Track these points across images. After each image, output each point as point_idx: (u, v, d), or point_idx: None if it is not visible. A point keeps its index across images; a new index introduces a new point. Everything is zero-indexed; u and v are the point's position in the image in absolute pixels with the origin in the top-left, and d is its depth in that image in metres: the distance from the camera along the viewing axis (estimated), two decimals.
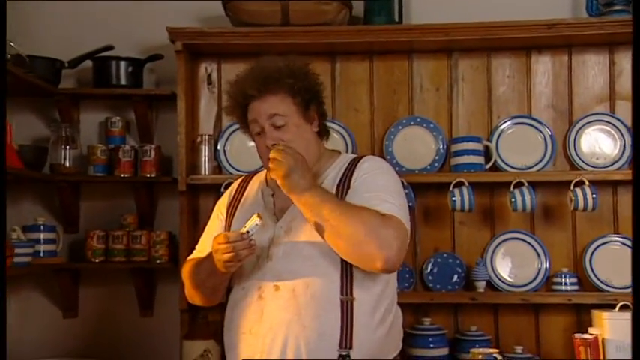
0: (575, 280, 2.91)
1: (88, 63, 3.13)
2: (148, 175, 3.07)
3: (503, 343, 2.92)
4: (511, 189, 2.86)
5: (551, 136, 2.99)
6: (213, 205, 2.27)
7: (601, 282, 2.90)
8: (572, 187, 2.82)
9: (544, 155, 2.98)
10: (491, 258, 2.98)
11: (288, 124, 2.00)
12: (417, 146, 3.01)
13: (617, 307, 2.72)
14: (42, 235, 2.98)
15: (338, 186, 2.00)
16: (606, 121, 2.98)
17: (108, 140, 3.14)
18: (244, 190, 2.18)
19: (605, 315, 2.72)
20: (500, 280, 2.96)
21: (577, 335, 2.75)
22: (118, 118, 3.16)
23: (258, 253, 1.98)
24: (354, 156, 2.14)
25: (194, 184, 2.94)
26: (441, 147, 3.00)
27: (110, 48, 3.08)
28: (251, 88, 2.01)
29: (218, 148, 3.05)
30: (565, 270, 2.93)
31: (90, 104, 3.23)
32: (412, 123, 3.03)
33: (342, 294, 1.92)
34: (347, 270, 1.94)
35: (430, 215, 3.01)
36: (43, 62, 2.98)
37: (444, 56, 3.07)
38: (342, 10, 2.93)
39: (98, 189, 3.21)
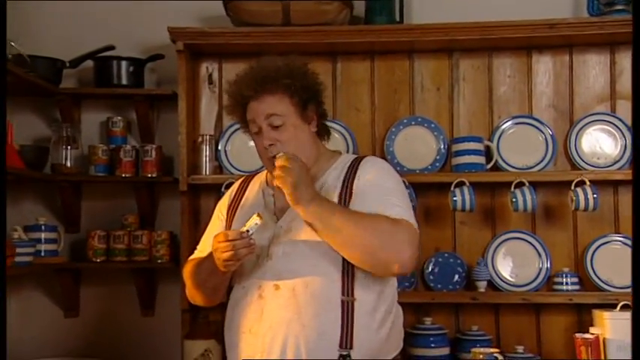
0: (576, 279, 2.91)
1: (89, 63, 3.13)
2: (149, 175, 3.07)
3: (504, 343, 2.92)
4: (512, 189, 2.86)
5: (552, 135, 2.99)
6: (214, 205, 2.27)
7: (602, 282, 2.90)
8: (573, 187, 2.82)
9: (545, 155, 2.98)
10: (492, 258, 2.98)
11: (285, 123, 2.01)
12: (418, 146, 3.01)
13: (618, 307, 2.72)
14: (43, 235, 2.98)
15: (341, 187, 2.00)
16: (607, 121, 2.98)
17: (109, 140, 3.14)
18: (245, 191, 2.18)
19: (607, 315, 2.72)
20: (501, 279, 2.96)
21: (578, 335, 2.74)
22: (119, 117, 3.16)
23: (259, 253, 1.98)
24: (354, 156, 2.14)
25: (195, 183, 2.94)
26: (442, 147, 3.00)
27: (111, 48, 3.08)
28: (249, 88, 2.02)
29: (219, 148, 3.05)
30: (566, 270, 2.93)
31: (91, 104, 3.23)
32: (413, 123, 3.03)
33: (343, 294, 1.92)
34: (348, 270, 1.94)
35: (431, 215, 3.00)
36: (44, 62, 2.99)
37: (445, 56, 3.07)
38: (343, 10, 2.93)
39: (99, 189, 3.21)
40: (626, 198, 2.95)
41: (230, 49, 3.01)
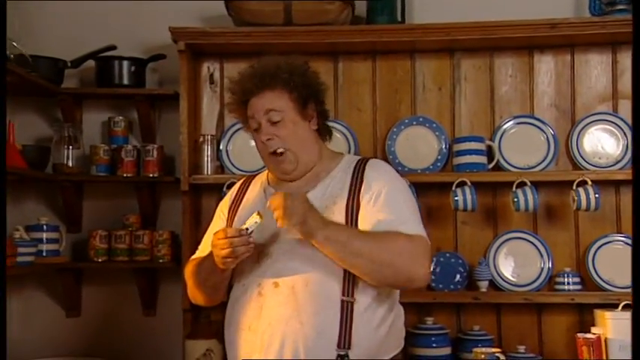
0: (577, 279, 2.91)
1: (91, 63, 3.13)
2: (151, 175, 3.07)
3: (506, 343, 2.92)
4: (514, 189, 2.85)
5: (553, 135, 2.98)
6: (216, 205, 2.28)
7: (604, 282, 2.90)
8: (574, 187, 2.82)
9: (547, 155, 2.97)
10: (494, 258, 2.98)
11: (284, 119, 2.02)
12: (419, 146, 3.01)
13: (619, 307, 2.72)
14: (45, 235, 2.98)
15: (348, 195, 1.99)
16: (609, 121, 2.97)
17: (110, 140, 3.14)
18: (246, 190, 2.18)
19: (608, 315, 2.72)
20: (502, 279, 2.96)
21: (580, 335, 2.74)
22: (120, 117, 3.16)
23: (260, 251, 1.98)
24: (358, 157, 2.14)
25: (196, 183, 2.94)
26: (444, 146, 3.00)
27: (113, 48, 3.08)
28: (250, 85, 2.04)
29: (220, 147, 3.05)
30: (568, 270, 2.92)
31: (92, 104, 3.23)
32: (414, 122, 3.03)
33: (343, 294, 1.92)
34: (348, 270, 1.94)
35: (432, 215, 3.00)
36: (46, 62, 2.99)
37: (446, 56, 3.07)
38: (345, 10, 2.93)
39: (101, 189, 3.21)
40: (627, 198, 2.95)
41: (231, 48, 3.01)
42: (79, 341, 3.14)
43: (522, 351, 2.83)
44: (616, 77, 3.01)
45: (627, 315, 2.64)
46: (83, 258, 3.12)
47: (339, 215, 1.96)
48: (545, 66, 3.05)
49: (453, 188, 2.85)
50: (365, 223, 1.96)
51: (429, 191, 2.99)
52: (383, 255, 1.88)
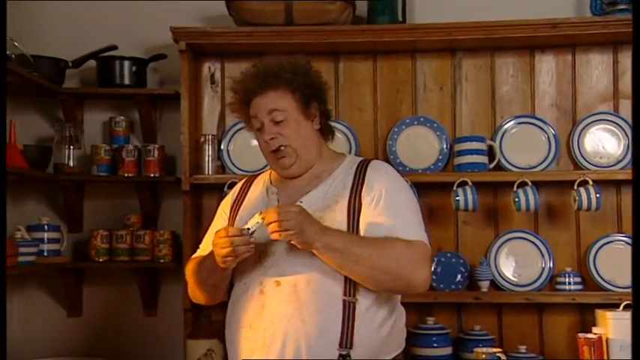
0: (579, 279, 2.91)
1: (92, 63, 3.14)
2: (152, 175, 3.07)
3: (507, 343, 2.92)
4: (515, 188, 2.85)
5: (554, 135, 2.98)
6: (217, 205, 2.28)
7: (605, 281, 2.90)
8: (575, 187, 2.82)
9: (548, 155, 2.97)
10: (495, 258, 2.97)
11: (287, 119, 2.02)
12: (420, 146, 3.01)
13: (621, 307, 2.72)
14: (46, 235, 2.98)
15: (350, 195, 1.99)
16: (610, 121, 2.97)
17: (111, 140, 3.14)
18: (248, 190, 2.18)
19: (609, 315, 2.72)
20: (503, 279, 2.96)
21: (581, 335, 2.74)
22: (121, 117, 3.16)
23: (261, 250, 1.98)
24: (360, 158, 2.14)
25: (197, 183, 2.94)
26: (445, 146, 3.00)
27: (114, 48, 3.08)
28: (252, 84, 2.04)
29: (221, 147, 3.05)
30: (569, 270, 2.92)
31: (94, 104, 3.24)
32: (415, 122, 3.03)
33: (345, 294, 1.92)
34: None
35: (434, 215, 3.00)
36: (47, 62, 2.99)
37: (447, 56, 3.07)
38: (346, 10, 2.93)
39: (102, 188, 3.21)
40: (628, 198, 2.95)
41: (232, 48, 3.01)
42: (80, 341, 3.15)
43: (523, 351, 2.83)
44: (617, 77, 3.01)
45: (628, 315, 2.63)
46: (84, 258, 3.12)
47: (340, 215, 1.97)
48: (547, 66, 3.05)
49: (454, 188, 2.85)
50: (365, 226, 1.96)
51: (430, 191, 2.99)
52: (381, 261, 1.89)
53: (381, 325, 1.97)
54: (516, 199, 2.83)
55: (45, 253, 2.95)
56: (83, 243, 3.15)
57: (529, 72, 3.05)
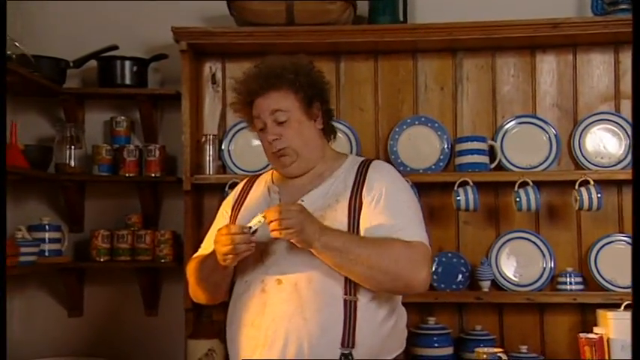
0: (580, 279, 2.91)
1: (93, 63, 3.14)
2: (153, 175, 3.07)
3: (508, 343, 2.92)
4: (516, 188, 2.85)
5: (556, 135, 2.98)
6: (218, 205, 2.28)
7: (606, 281, 2.89)
8: (577, 187, 2.82)
9: (549, 155, 2.97)
10: (496, 257, 2.97)
11: (290, 119, 2.03)
12: (421, 145, 3.01)
13: (622, 307, 2.72)
14: (47, 235, 2.98)
15: (351, 193, 1.99)
16: (611, 121, 2.97)
17: (113, 140, 3.15)
18: (250, 190, 2.19)
19: (610, 315, 2.72)
20: (505, 279, 2.96)
21: (582, 335, 2.74)
22: (122, 117, 3.16)
23: (263, 248, 1.99)
24: (361, 158, 2.14)
25: (198, 183, 2.94)
26: (446, 146, 3.00)
27: (115, 48, 3.08)
28: (255, 85, 2.05)
29: (222, 147, 3.05)
30: (570, 269, 2.92)
31: (95, 104, 3.24)
32: (417, 122, 3.03)
33: (345, 294, 1.92)
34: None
35: (435, 215, 3.00)
36: (48, 62, 2.99)
37: (448, 56, 3.07)
38: (347, 10, 2.93)
39: (103, 188, 3.22)
40: (630, 197, 2.94)
41: (233, 48, 3.01)
42: (81, 341, 3.15)
43: (524, 351, 2.83)
44: (618, 77, 3.01)
45: (629, 315, 2.63)
46: (85, 258, 3.12)
47: (341, 213, 1.97)
48: (548, 66, 3.05)
49: (455, 188, 2.85)
50: (365, 226, 1.96)
51: (431, 191, 2.99)
52: (380, 262, 1.89)
53: (382, 325, 1.97)
54: (517, 199, 2.83)
55: (46, 253, 2.95)
56: (84, 243, 3.15)
57: (530, 72, 3.05)
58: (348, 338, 1.90)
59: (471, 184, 2.83)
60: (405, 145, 3.01)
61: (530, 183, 2.83)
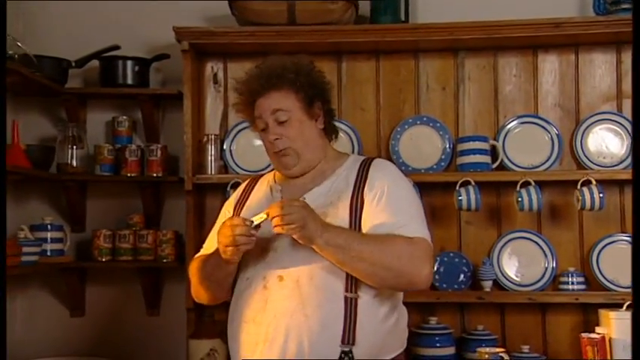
0: (582, 279, 2.90)
1: (95, 62, 3.14)
2: (155, 175, 3.07)
3: (510, 343, 2.92)
4: (518, 188, 2.85)
5: (557, 135, 2.98)
6: (220, 205, 2.29)
7: (608, 281, 2.89)
8: (579, 187, 2.82)
9: (551, 154, 2.97)
10: (498, 257, 2.97)
11: (291, 119, 2.04)
12: (423, 145, 3.01)
13: (624, 307, 2.71)
14: (49, 235, 2.98)
15: (352, 192, 2.00)
16: (613, 120, 2.97)
17: (114, 140, 3.15)
18: (252, 190, 2.19)
19: (613, 314, 2.71)
20: (506, 279, 2.96)
21: (584, 335, 2.74)
22: (124, 117, 3.17)
23: (264, 245, 1.99)
24: (363, 157, 2.15)
25: (200, 183, 2.94)
26: (448, 146, 3.00)
27: (116, 47, 3.08)
28: (256, 85, 2.06)
29: (224, 147, 3.05)
30: (572, 269, 2.92)
31: (96, 104, 3.24)
32: (418, 122, 3.03)
33: (346, 291, 1.92)
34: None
35: (436, 214, 3.00)
36: (50, 62, 2.99)
37: (450, 55, 3.07)
38: (348, 10, 2.93)
39: (105, 188, 3.22)
40: (631, 197, 2.94)
41: (235, 48, 3.01)
42: (83, 341, 3.15)
43: (526, 351, 2.83)
44: (620, 77, 3.01)
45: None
46: (87, 257, 3.12)
47: (343, 212, 1.98)
48: (550, 65, 3.05)
49: (457, 188, 2.85)
50: (367, 223, 1.97)
51: (432, 191, 2.98)
52: (383, 258, 1.89)
53: (383, 323, 1.97)
54: (519, 199, 2.83)
55: (48, 253, 2.95)
56: (86, 243, 3.15)
57: (532, 72, 3.05)
58: (349, 335, 1.90)
59: (473, 183, 2.83)
60: (407, 145, 3.01)
61: (532, 183, 2.83)
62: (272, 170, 2.22)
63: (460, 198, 2.83)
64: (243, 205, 2.14)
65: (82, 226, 3.19)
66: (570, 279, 2.89)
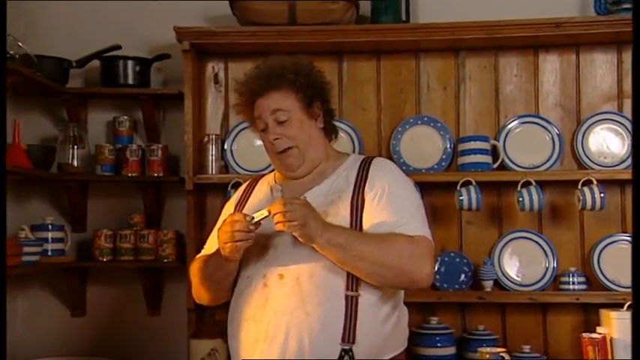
0: (583, 279, 2.90)
1: (96, 62, 3.14)
2: (156, 175, 3.07)
3: (511, 343, 2.92)
4: (519, 188, 2.85)
5: (558, 135, 2.98)
6: (221, 205, 2.29)
7: (609, 281, 2.89)
8: (580, 186, 2.82)
9: (552, 154, 2.97)
10: (499, 257, 2.97)
11: (291, 119, 2.04)
12: (424, 145, 3.01)
13: (625, 307, 2.71)
14: (50, 235, 2.98)
15: (353, 191, 2.00)
16: (614, 120, 2.97)
17: (115, 139, 3.15)
18: (252, 191, 2.20)
19: (613, 314, 2.71)
20: (507, 279, 2.96)
21: (585, 335, 2.74)
22: (125, 117, 3.17)
23: (265, 243, 1.99)
24: (363, 156, 2.15)
25: (201, 183, 2.94)
26: (448, 146, 3.00)
27: (117, 47, 3.09)
28: (255, 85, 2.06)
29: (225, 147, 3.05)
30: (573, 269, 2.92)
31: (97, 104, 3.24)
32: (419, 122, 3.03)
33: (347, 289, 1.92)
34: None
35: (437, 214, 2.99)
36: (51, 62, 2.99)
37: (451, 55, 3.07)
38: (349, 10, 2.93)
39: (106, 188, 3.22)
40: (632, 197, 2.94)
41: (236, 48, 3.01)
42: (84, 341, 3.15)
43: (527, 351, 2.83)
44: (621, 76, 3.01)
45: None
46: (88, 257, 3.13)
47: (344, 210, 1.98)
48: (550, 65, 3.05)
49: (458, 188, 2.85)
50: (368, 222, 1.97)
51: (433, 191, 2.98)
52: (384, 257, 1.89)
53: (384, 322, 1.97)
54: (520, 199, 2.83)
55: (49, 253, 2.96)
56: (87, 243, 3.15)
57: (533, 71, 3.05)
58: (349, 334, 1.90)
59: (474, 183, 2.83)
60: (408, 145, 3.01)
61: (533, 183, 2.83)
62: (272, 171, 2.22)
63: (461, 198, 2.83)
64: (244, 206, 2.14)
65: (82, 226, 3.19)
66: (571, 279, 2.89)
